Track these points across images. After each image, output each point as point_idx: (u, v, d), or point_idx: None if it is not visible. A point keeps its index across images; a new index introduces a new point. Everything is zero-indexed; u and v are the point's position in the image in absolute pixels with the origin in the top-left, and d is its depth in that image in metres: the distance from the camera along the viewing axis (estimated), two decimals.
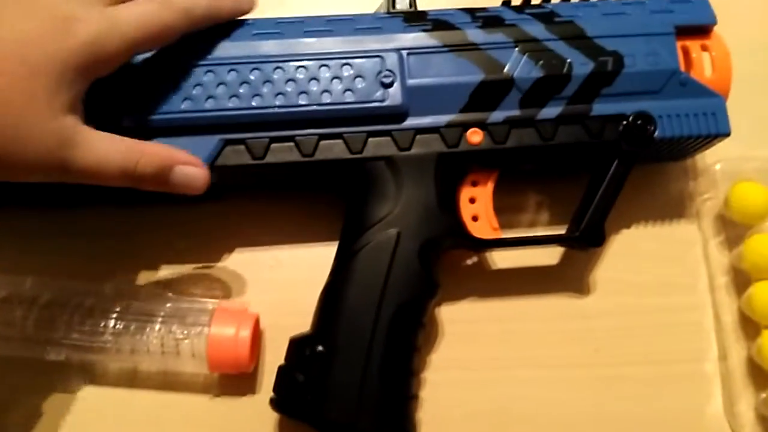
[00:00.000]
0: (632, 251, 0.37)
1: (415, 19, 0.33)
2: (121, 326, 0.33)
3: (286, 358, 0.31)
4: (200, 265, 0.36)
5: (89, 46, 0.26)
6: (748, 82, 0.38)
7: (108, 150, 0.27)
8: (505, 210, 0.37)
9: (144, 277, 0.36)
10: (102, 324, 0.32)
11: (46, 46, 0.25)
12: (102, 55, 0.27)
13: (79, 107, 0.27)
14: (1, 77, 0.24)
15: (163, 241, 0.36)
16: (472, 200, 0.34)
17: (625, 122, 0.33)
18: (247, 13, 0.33)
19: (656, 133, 0.33)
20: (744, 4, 0.42)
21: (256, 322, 0.34)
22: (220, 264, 0.36)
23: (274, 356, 0.33)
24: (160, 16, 0.28)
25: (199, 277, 0.36)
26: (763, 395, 0.35)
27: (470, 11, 0.33)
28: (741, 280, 0.37)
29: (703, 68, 0.34)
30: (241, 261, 0.36)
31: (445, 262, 0.35)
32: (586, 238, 0.33)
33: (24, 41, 0.25)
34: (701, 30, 0.34)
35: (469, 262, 0.37)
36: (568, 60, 0.32)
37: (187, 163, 0.29)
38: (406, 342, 0.31)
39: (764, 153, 0.38)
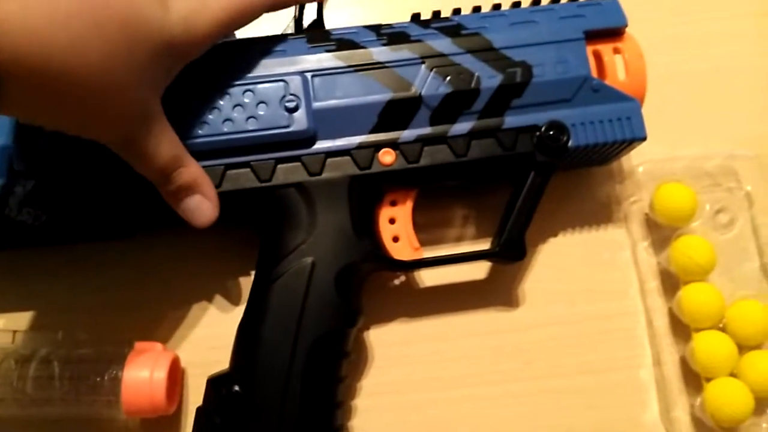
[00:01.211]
0: (561, 259, 0.37)
1: (319, 39, 0.32)
2: (33, 374, 0.31)
3: (204, 399, 0.30)
4: (114, 305, 0.35)
5: (183, 23, 0.27)
6: (670, 81, 0.39)
7: (167, 145, 0.28)
8: (429, 226, 0.36)
9: (56, 320, 0.34)
10: (11, 373, 0.31)
11: (148, 13, 0.26)
12: (192, 32, 0.27)
13: (161, 92, 0.28)
14: (108, 43, 0.24)
15: (75, 282, 0.35)
16: (391, 221, 0.33)
17: (538, 133, 0.32)
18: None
19: (570, 142, 0.32)
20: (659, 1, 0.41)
21: (174, 362, 0.33)
22: (135, 304, 0.35)
23: (198, 395, 0.32)
24: None
25: (113, 318, 0.35)
26: (698, 399, 0.34)
27: (375, 28, 0.33)
28: (671, 282, 0.36)
29: (617, 72, 0.33)
30: (157, 299, 0.35)
31: (371, 284, 0.34)
32: (506, 253, 0.33)
33: (131, 6, 0.25)
34: (613, 33, 0.34)
35: (396, 282, 0.36)
36: (476, 73, 0.32)
37: (206, 196, 0.30)
38: (326, 374, 0.30)
39: (689, 152, 0.38)
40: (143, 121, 0.27)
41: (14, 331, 0.33)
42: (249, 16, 0.30)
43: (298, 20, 0.34)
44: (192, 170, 0.29)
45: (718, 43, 0.41)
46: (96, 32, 0.24)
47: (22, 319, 0.35)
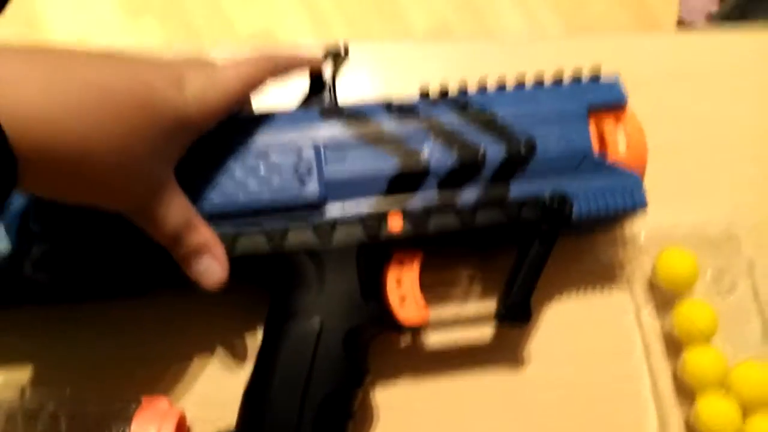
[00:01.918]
0: (566, 322, 0.37)
1: (331, 111, 0.33)
2: (40, 429, 0.32)
3: None
4: (121, 361, 0.35)
5: (196, 101, 0.28)
6: (672, 148, 0.40)
7: (178, 210, 0.29)
8: (436, 285, 0.37)
9: (63, 376, 0.35)
10: (18, 428, 0.32)
11: (166, 94, 0.27)
12: (206, 109, 0.29)
13: (175, 164, 0.29)
14: (125, 126, 0.26)
15: (82, 337, 0.36)
16: (399, 282, 0.34)
17: (542, 203, 0.33)
18: (320, 65, 0.35)
19: (573, 213, 0.33)
20: (665, 70, 0.43)
21: (181, 419, 0.33)
22: (142, 360, 0.36)
23: None
24: (250, 69, 0.31)
25: (120, 374, 0.35)
26: None
27: (386, 104, 0.34)
28: (675, 345, 0.37)
29: (618, 146, 0.34)
30: (164, 355, 0.36)
31: (377, 343, 0.35)
32: (512, 317, 0.33)
33: (148, 89, 0.27)
34: (614, 108, 0.35)
35: (402, 341, 0.37)
36: (482, 146, 0.33)
37: (216, 259, 0.30)
38: None
39: (690, 219, 0.39)
40: (156, 190, 0.28)
41: (22, 387, 0.34)
42: (255, 87, 0.31)
43: (315, 82, 0.36)
44: (202, 234, 0.30)
45: (720, 113, 0.42)
46: (115, 116, 0.25)
47: (28, 375, 0.35)
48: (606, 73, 0.35)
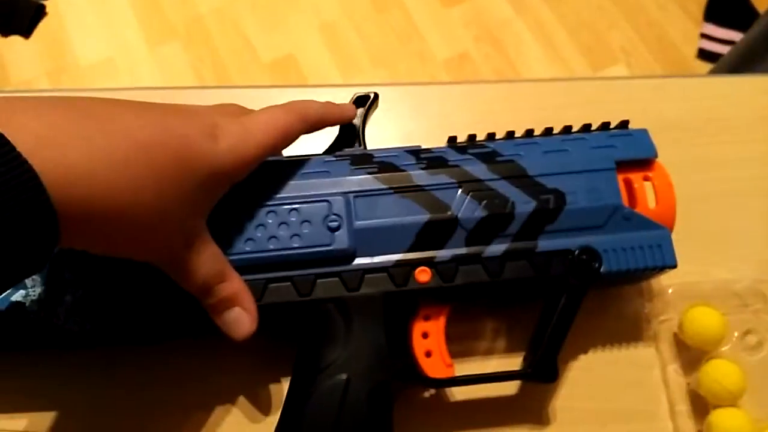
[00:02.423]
0: (591, 378, 0.37)
1: (361, 161, 0.34)
2: None
3: None
4: (143, 408, 0.35)
5: (230, 152, 0.29)
6: (702, 202, 0.40)
7: (209, 262, 0.29)
8: (461, 338, 0.37)
9: (84, 426, 0.35)
10: None
11: (201, 147, 0.28)
12: (240, 159, 0.29)
13: (207, 214, 0.30)
14: (162, 180, 0.26)
15: (104, 386, 0.36)
16: (425, 335, 0.34)
17: (570, 257, 0.33)
18: (351, 119, 0.35)
19: (602, 268, 0.33)
20: (698, 120, 0.43)
21: None
22: (165, 409, 0.35)
23: None
24: (282, 121, 0.31)
25: (141, 424, 0.35)
26: None
27: (415, 153, 0.34)
28: (701, 404, 0.36)
29: (647, 200, 0.34)
30: (185, 405, 0.36)
31: (400, 396, 0.35)
32: (538, 375, 0.33)
33: (184, 142, 0.27)
34: (643, 162, 0.35)
35: (425, 395, 0.36)
36: (511, 199, 0.33)
37: (246, 310, 0.30)
38: None
39: (719, 274, 0.38)
40: (189, 242, 0.29)
41: None
42: (288, 139, 0.32)
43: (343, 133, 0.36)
44: (233, 284, 0.30)
45: (748, 166, 0.42)
46: (151, 171, 0.26)
47: (46, 420, 0.35)
48: (635, 119, 0.35)
